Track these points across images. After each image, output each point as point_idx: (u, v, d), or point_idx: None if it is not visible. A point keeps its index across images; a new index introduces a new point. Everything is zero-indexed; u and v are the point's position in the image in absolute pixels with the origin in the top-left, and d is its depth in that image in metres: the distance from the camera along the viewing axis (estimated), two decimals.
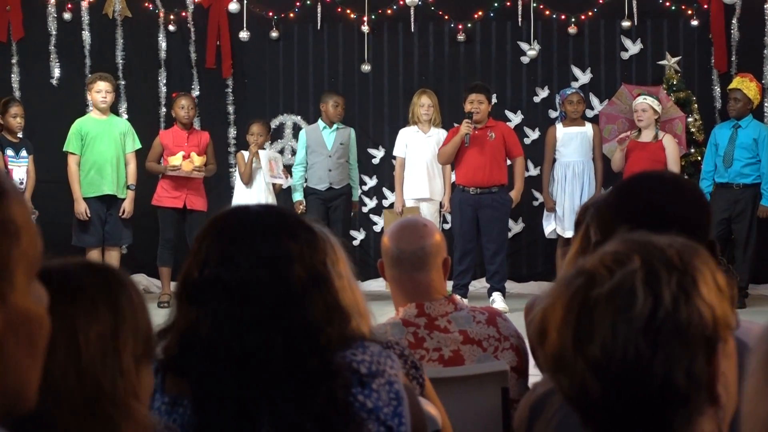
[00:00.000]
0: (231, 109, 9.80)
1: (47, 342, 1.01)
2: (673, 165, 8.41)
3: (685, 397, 1.17)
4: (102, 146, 8.50)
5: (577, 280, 1.19)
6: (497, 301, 8.17)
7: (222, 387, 1.69)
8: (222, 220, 1.83)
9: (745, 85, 8.61)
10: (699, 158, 8.89)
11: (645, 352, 1.15)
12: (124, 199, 8.56)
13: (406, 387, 1.86)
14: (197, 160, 8.64)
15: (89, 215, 8.45)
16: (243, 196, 8.81)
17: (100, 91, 8.52)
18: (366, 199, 9.63)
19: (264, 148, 8.91)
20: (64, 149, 8.53)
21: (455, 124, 8.94)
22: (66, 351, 1.37)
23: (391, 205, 9.40)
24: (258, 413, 1.68)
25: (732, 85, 8.76)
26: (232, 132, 9.75)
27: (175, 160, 8.59)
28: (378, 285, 8.11)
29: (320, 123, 8.89)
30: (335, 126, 8.86)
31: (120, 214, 8.54)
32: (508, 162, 8.53)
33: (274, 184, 8.85)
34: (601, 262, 1.20)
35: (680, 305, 1.16)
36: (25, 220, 0.98)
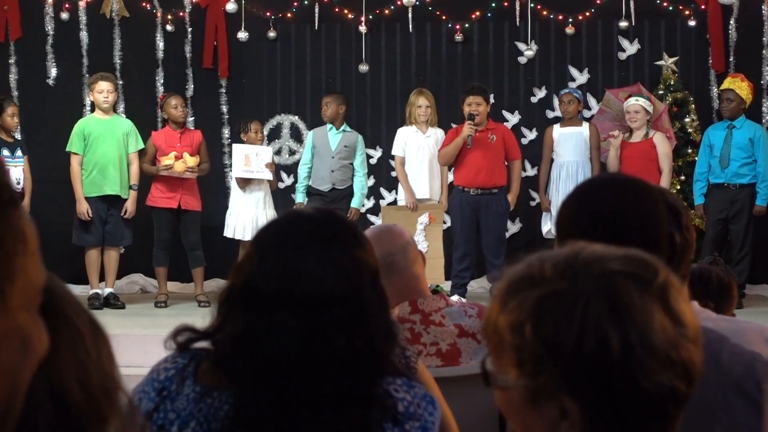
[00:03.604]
0: (225, 108, 9.80)
1: (40, 358, 1.00)
2: (665, 162, 8.42)
3: None
4: (105, 146, 8.49)
5: (586, 284, 1.19)
6: None
7: (270, 393, 1.67)
8: (287, 228, 1.78)
9: (737, 84, 8.62)
10: (696, 158, 8.90)
11: None
12: (126, 200, 8.55)
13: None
14: (190, 160, 8.64)
15: (91, 215, 8.44)
16: (240, 196, 8.81)
17: (102, 91, 8.51)
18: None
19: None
20: (66, 149, 8.51)
21: (453, 125, 8.94)
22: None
23: (391, 203, 9.38)
24: (291, 421, 1.67)
25: (724, 86, 8.76)
26: (227, 132, 9.75)
27: (168, 159, 8.59)
28: None
29: (328, 125, 8.93)
30: (342, 128, 8.89)
31: (122, 214, 8.54)
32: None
33: (270, 183, 8.85)
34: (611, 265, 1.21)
35: None
36: (33, 241, 0.97)
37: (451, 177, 8.77)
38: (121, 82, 9.52)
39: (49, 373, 1.28)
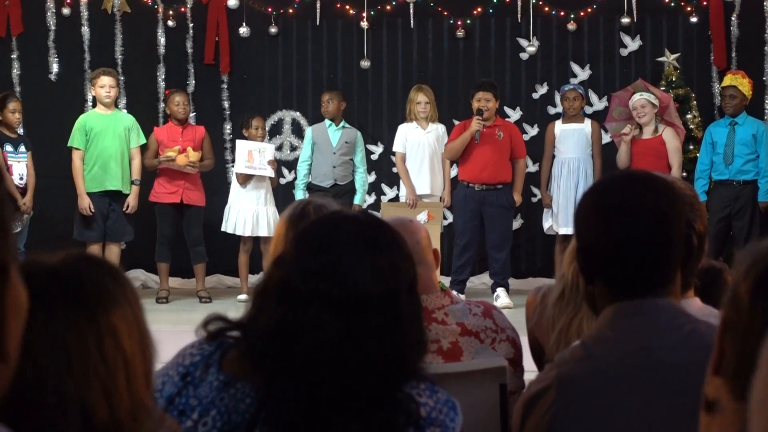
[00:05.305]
0: (227, 104, 9.80)
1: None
2: (674, 157, 8.38)
3: None
4: (107, 141, 8.49)
5: None
6: (501, 297, 8.21)
7: (296, 390, 1.66)
8: (329, 228, 1.77)
9: (739, 81, 8.62)
10: (698, 155, 8.88)
11: None
12: (127, 195, 8.55)
13: None
14: (193, 155, 8.64)
15: (93, 210, 8.44)
16: (241, 191, 8.81)
17: (104, 86, 8.52)
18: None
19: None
20: (68, 144, 8.51)
21: (454, 120, 8.95)
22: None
23: (393, 200, 9.38)
24: (314, 420, 1.66)
25: (725, 83, 8.75)
26: (228, 128, 9.75)
27: (171, 151, 8.59)
28: None
29: (327, 121, 8.94)
30: (341, 124, 8.91)
31: (124, 210, 8.54)
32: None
33: (271, 180, 8.85)
34: None
35: None
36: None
37: (454, 172, 8.78)
38: (122, 78, 9.51)
39: (83, 391, 1.31)
